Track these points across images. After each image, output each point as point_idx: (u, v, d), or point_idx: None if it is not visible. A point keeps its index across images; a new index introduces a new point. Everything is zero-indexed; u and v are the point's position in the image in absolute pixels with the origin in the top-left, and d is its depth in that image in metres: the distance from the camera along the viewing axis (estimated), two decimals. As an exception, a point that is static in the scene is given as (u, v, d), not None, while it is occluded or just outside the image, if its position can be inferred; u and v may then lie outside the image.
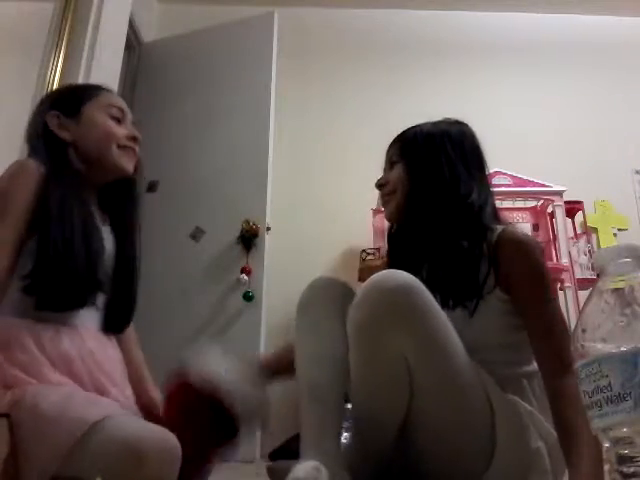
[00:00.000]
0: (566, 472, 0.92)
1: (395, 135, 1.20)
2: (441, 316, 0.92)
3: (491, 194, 1.15)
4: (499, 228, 1.04)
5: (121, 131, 1.15)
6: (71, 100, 1.17)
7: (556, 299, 1.01)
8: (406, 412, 0.93)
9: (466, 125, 1.18)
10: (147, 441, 0.82)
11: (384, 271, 0.93)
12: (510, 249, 1.00)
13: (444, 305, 1.00)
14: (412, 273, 1.06)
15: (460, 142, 1.13)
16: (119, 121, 1.17)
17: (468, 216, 1.06)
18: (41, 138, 1.12)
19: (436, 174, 1.10)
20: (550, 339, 0.95)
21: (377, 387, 0.93)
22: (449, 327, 0.93)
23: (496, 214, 1.12)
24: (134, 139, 1.17)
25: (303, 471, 0.84)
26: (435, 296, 0.99)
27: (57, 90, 1.21)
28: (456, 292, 1.01)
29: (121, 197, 1.20)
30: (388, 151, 1.20)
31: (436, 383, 0.91)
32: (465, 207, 1.06)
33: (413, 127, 1.18)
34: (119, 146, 1.14)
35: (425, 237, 1.10)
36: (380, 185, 1.19)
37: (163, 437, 0.86)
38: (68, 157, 1.11)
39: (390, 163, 1.19)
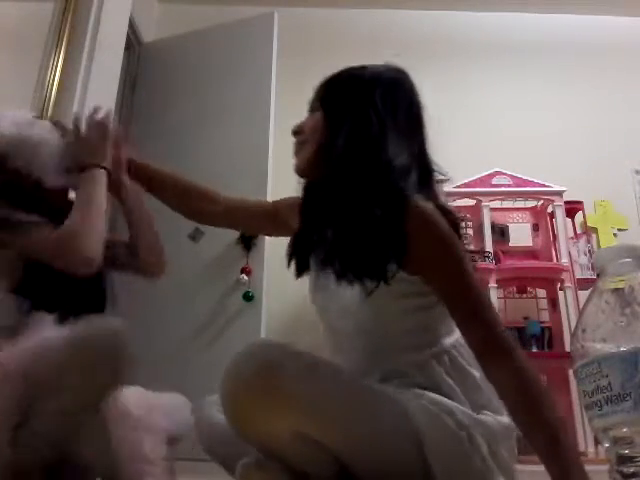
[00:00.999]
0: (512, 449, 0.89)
1: None
2: (324, 375, 0.82)
3: (424, 160, 0.98)
4: (411, 202, 0.89)
5: None
6: None
7: (475, 275, 0.89)
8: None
9: (406, 75, 1.03)
10: (88, 337, 0.94)
11: (241, 351, 0.81)
12: (420, 228, 0.87)
13: (341, 277, 0.89)
14: (318, 237, 0.99)
15: (393, 92, 0.97)
16: None
17: (387, 181, 0.91)
18: None
19: (357, 126, 0.94)
20: (478, 321, 0.86)
21: (295, 462, 0.83)
22: (341, 381, 0.83)
23: (427, 191, 0.96)
24: None
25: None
26: (334, 265, 0.90)
27: None
28: (359, 266, 0.88)
29: None
30: (314, 95, 1.05)
31: (351, 444, 0.82)
32: (386, 171, 0.91)
33: (343, 70, 1.03)
34: None
35: (335, 199, 0.94)
36: (295, 132, 1.04)
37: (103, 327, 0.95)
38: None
39: (310, 109, 1.04)
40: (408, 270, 0.90)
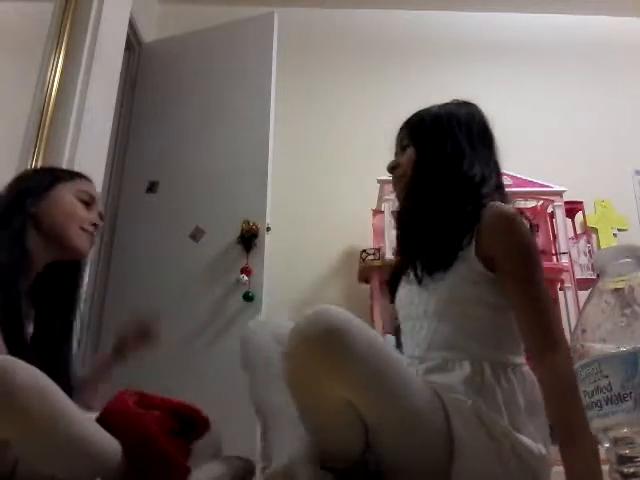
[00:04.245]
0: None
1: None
2: (381, 351, 0.87)
3: (498, 174, 1.17)
4: (491, 202, 1.03)
5: (85, 214, 1.21)
6: (46, 177, 1.24)
7: (541, 277, 0.98)
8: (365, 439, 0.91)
9: (474, 105, 1.21)
10: None
11: (311, 313, 0.85)
12: (492, 221, 0.99)
13: (424, 271, 1.03)
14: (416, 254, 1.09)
15: (467, 123, 1.15)
16: (87, 205, 1.23)
17: (467, 190, 1.06)
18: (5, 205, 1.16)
19: (439, 153, 1.10)
20: (531, 317, 0.93)
21: (328, 432, 0.89)
22: (391, 358, 0.88)
23: (502, 193, 1.12)
24: (95, 225, 1.23)
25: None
26: (416, 263, 1.05)
27: (38, 168, 1.28)
28: (435, 255, 1.01)
29: (62, 280, 1.24)
30: (398, 135, 1.21)
31: (387, 421, 0.87)
32: (465, 182, 1.06)
33: (421, 110, 1.19)
34: (80, 228, 1.20)
35: (426, 214, 1.09)
36: (392, 168, 1.20)
37: None
38: (25, 229, 1.14)
39: (401, 147, 1.19)
40: (482, 261, 0.98)
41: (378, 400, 0.85)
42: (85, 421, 0.89)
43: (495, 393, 0.93)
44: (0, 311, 1.04)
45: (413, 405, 0.87)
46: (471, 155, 1.10)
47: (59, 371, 1.14)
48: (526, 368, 0.99)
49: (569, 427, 0.81)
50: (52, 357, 1.15)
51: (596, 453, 0.78)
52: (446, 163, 1.09)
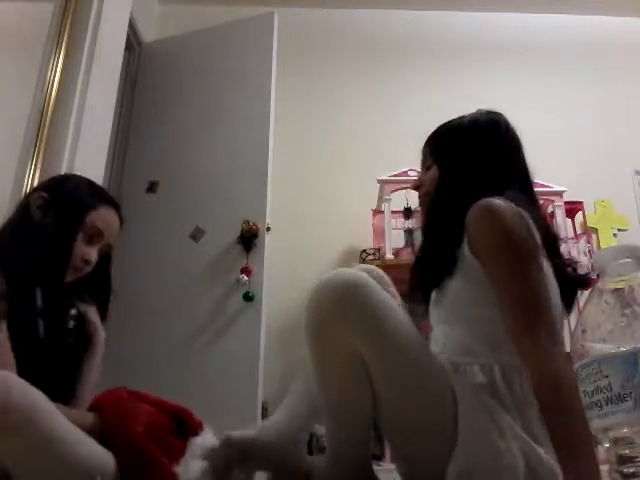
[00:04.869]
0: None
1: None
2: (395, 314, 0.91)
3: (524, 181, 1.13)
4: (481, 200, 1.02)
5: (80, 250, 1.21)
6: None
7: (523, 268, 0.92)
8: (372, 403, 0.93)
9: (499, 115, 1.17)
10: None
11: (335, 271, 0.94)
12: (475, 214, 0.98)
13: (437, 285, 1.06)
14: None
15: (491, 136, 1.13)
16: (91, 239, 1.23)
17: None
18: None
19: (461, 175, 1.10)
20: (515, 311, 0.90)
21: (338, 384, 0.93)
22: (406, 325, 0.92)
23: (527, 199, 1.07)
24: (86, 261, 1.22)
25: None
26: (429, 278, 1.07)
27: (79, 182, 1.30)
28: (440, 265, 1.04)
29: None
30: (423, 149, 1.21)
31: (393, 380, 0.90)
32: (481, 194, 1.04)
33: (445, 124, 1.18)
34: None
35: (438, 232, 1.10)
36: (416, 187, 1.21)
37: None
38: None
39: (425, 164, 1.19)
40: (474, 255, 0.98)
41: (384, 354, 0.89)
42: (77, 439, 0.90)
43: (507, 398, 0.92)
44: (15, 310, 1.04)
45: (418, 367, 0.89)
46: (492, 173, 1.09)
47: (64, 372, 1.15)
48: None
49: (563, 427, 0.79)
50: (58, 355, 1.15)
51: (594, 453, 0.78)
52: (467, 185, 1.08)
